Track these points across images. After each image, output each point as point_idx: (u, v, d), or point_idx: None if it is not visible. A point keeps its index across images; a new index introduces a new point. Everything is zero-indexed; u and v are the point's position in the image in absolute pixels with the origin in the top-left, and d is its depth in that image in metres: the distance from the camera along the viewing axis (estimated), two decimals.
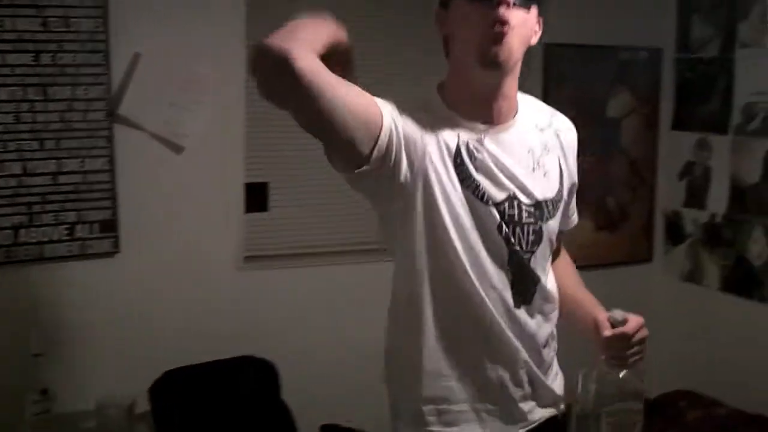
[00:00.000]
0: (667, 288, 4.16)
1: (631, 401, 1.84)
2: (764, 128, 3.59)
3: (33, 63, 2.83)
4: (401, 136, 1.65)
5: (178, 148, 3.08)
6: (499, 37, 1.63)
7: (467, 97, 1.75)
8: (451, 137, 1.70)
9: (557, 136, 1.88)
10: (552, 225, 1.83)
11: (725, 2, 3.74)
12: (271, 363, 3.17)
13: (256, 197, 3.38)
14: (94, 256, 3.01)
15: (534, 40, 1.75)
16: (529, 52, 1.75)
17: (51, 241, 2.94)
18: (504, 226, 1.73)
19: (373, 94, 1.68)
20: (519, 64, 1.74)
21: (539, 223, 1.79)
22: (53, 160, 2.91)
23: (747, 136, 3.68)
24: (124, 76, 2.96)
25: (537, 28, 1.75)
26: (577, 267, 2.10)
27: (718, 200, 3.85)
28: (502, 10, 1.61)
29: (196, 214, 3.15)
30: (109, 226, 3.02)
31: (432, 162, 1.67)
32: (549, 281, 1.88)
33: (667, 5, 4.00)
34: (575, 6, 3.74)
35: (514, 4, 1.63)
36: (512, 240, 1.75)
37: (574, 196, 1.96)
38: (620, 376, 1.82)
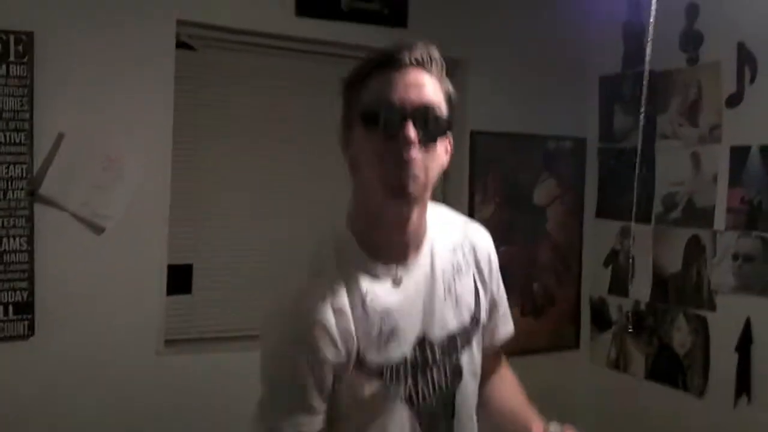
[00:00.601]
0: (593, 375, 4.18)
1: None
2: (684, 218, 3.68)
3: None
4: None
5: (98, 229, 3.03)
6: (405, 182, 1.49)
7: (380, 237, 1.59)
8: (364, 302, 1.56)
9: (472, 251, 1.75)
10: (469, 355, 1.71)
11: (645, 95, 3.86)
12: None
13: (180, 279, 3.33)
14: (8, 338, 2.91)
15: (446, 162, 1.60)
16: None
17: None
18: (412, 395, 1.62)
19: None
20: (430, 191, 1.59)
21: (454, 357, 1.68)
22: None
23: (668, 225, 3.76)
24: (47, 155, 2.92)
25: (447, 149, 1.61)
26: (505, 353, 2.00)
27: (641, 288, 3.91)
28: (408, 153, 1.48)
29: (116, 296, 3.09)
30: (25, 308, 2.93)
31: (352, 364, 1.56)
32: (474, 426, 1.77)
33: (590, 96, 4.12)
34: (502, 95, 3.83)
35: (420, 141, 1.49)
36: (426, 396, 1.63)
37: (502, 306, 1.86)
38: None
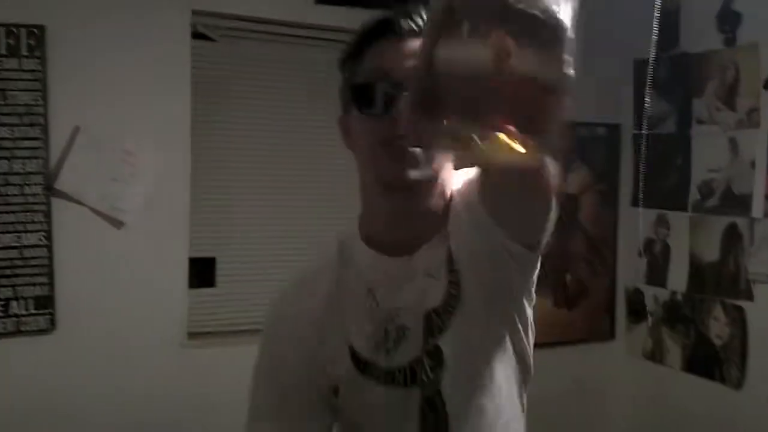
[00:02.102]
0: (629, 367, 4.08)
1: None
2: (722, 206, 3.55)
3: None
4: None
5: (117, 223, 3.01)
6: (399, 162, 1.29)
7: (379, 226, 1.42)
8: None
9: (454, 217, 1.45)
10: (452, 335, 1.42)
11: (681, 79, 3.73)
12: None
13: (203, 272, 3.31)
14: (30, 333, 2.93)
15: None
16: None
17: None
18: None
19: None
20: (445, 175, 1.38)
21: (429, 341, 1.43)
22: None
23: (705, 213, 3.63)
24: (62, 149, 2.91)
25: None
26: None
27: (678, 278, 3.79)
28: (404, 128, 1.25)
29: (137, 290, 3.08)
30: (46, 303, 2.94)
31: None
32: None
33: (624, 80, 3.99)
34: None
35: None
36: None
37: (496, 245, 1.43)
38: None
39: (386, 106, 1.28)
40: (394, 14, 1.34)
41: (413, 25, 1.31)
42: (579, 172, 3.99)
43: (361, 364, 1.40)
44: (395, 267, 1.39)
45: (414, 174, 1.29)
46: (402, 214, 1.38)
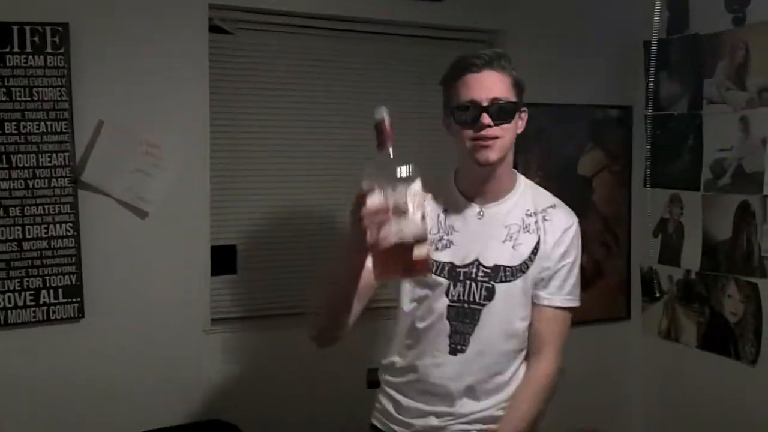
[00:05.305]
0: (645, 346, 4.14)
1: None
2: (734, 184, 3.59)
3: None
4: None
5: (142, 213, 3.09)
6: (486, 150, 2.15)
7: (469, 181, 2.31)
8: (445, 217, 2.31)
9: (545, 221, 2.32)
10: (506, 287, 2.27)
11: (691, 60, 3.77)
12: (239, 428, 3.15)
13: (225, 260, 3.39)
14: (59, 321, 3.01)
15: (521, 128, 2.26)
16: None
17: (16, 307, 2.95)
18: (451, 289, 2.27)
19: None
20: (510, 153, 2.27)
21: (492, 282, 2.26)
22: (18, 227, 2.92)
23: (717, 192, 3.68)
24: (87, 143, 2.99)
25: (521, 118, 2.25)
26: None
27: (691, 256, 3.84)
28: (486, 132, 2.14)
29: (162, 278, 3.15)
30: (74, 292, 3.02)
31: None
32: (494, 334, 2.30)
33: (635, 63, 4.03)
34: (541, 65, 3.77)
35: (494, 125, 2.13)
36: (461, 296, 2.26)
37: (560, 275, 2.32)
38: None
39: (474, 119, 2.15)
40: (474, 56, 2.17)
41: (483, 61, 2.16)
42: (592, 153, 4.04)
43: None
44: (470, 208, 2.32)
45: (492, 157, 2.17)
46: (483, 177, 2.28)
